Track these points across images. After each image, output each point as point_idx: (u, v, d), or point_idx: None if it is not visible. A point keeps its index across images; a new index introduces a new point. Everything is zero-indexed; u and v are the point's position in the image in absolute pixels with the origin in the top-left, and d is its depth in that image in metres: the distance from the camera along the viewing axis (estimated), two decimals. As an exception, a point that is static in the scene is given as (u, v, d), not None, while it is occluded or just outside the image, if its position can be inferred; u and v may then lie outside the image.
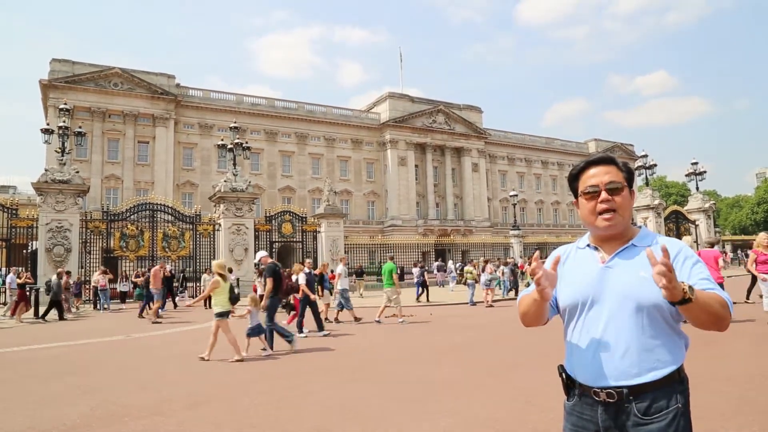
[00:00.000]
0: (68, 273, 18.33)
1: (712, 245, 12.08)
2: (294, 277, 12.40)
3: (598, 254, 1.87)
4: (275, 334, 9.44)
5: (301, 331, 11.47)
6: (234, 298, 9.01)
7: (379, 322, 13.50)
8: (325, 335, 11.21)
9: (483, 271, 18.74)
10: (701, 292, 1.62)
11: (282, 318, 11.91)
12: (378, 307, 14.33)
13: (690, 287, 1.57)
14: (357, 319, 13.90)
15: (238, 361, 8.31)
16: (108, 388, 6.71)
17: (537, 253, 2.11)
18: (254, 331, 8.95)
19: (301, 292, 11.86)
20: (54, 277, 16.76)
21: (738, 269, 29.99)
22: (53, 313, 16.26)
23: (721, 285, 11.01)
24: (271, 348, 9.18)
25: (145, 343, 11.19)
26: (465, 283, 19.53)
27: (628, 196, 1.85)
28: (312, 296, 11.79)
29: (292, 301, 12.90)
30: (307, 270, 12.38)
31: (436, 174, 61.60)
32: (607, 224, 1.82)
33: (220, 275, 8.83)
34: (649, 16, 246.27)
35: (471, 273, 19.03)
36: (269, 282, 9.54)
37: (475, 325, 12.84)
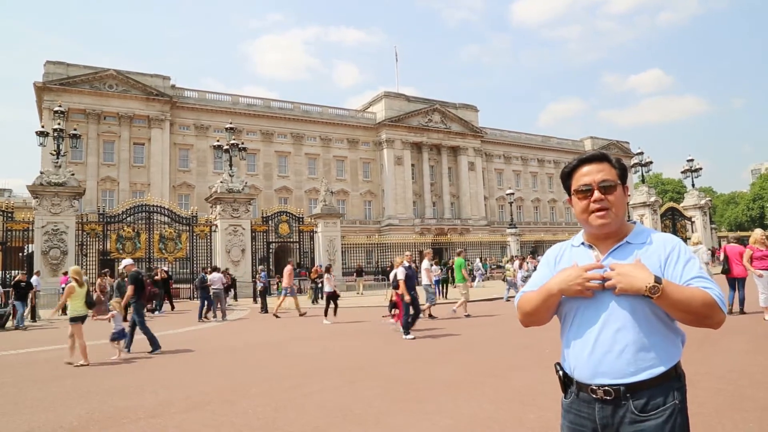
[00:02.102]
0: (105, 274, 18.65)
1: (738, 240, 12.31)
2: (393, 273, 11.61)
3: (593, 252, 1.87)
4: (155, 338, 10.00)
5: (408, 332, 10.49)
6: (90, 303, 9.21)
7: (451, 312, 13.97)
8: (411, 338, 10.32)
9: (520, 268, 19.47)
10: (678, 288, 1.65)
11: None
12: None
13: (654, 285, 1.63)
14: (431, 317, 13.84)
15: (82, 365, 8.50)
16: (106, 391, 6.69)
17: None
18: (118, 336, 9.22)
19: (401, 288, 10.77)
20: (117, 280, 16.98)
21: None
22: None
23: (743, 279, 11.05)
24: (128, 350, 9.56)
25: (142, 346, 11.16)
26: (504, 280, 20.80)
27: (622, 194, 1.85)
28: (407, 296, 10.62)
29: (393, 299, 11.82)
30: (406, 264, 11.20)
31: (432, 173, 61.59)
32: (601, 222, 1.82)
33: (76, 281, 8.99)
34: (642, 16, 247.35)
35: (510, 270, 19.96)
36: (130, 289, 9.90)
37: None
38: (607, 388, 1.72)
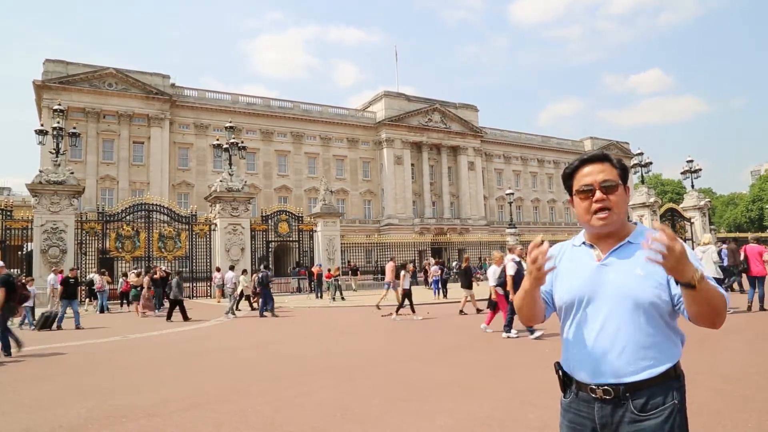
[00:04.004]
0: (149, 270, 18.45)
1: (757, 241, 12.74)
2: (494, 268, 10.92)
3: (594, 252, 1.87)
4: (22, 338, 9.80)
5: (510, 330, 9.75)
6: None
7: None
8: (537, 337, 9.37)
9: None
10: (708, 282, 1.61)
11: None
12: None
13: (701, 274, 1.56)
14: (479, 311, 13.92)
15: None
16: (105, 389, 6.68)
17: (540, 238, 1.81)
18: None
19: (509, 284, 9.94)
20: (176, 278, 16.82)
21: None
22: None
23: (763, 278, 11.50)
24: (7, 354, 9.45)
25: (142, 344, 11.17)
26: None
27: (623, 194, 1.85)
28: (513, 294, 10.18)
29: (493, 297, 10.95)
30: (517, 259, 10.15)
31: (432, 173, 61.60)
32: (603, 223, 1.82)
33: None
34: (642, 17, 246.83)
35: None
36: (1, 292, 9.81)
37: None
38: (606, 387, 1.72)
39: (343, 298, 21.85)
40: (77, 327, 13.84)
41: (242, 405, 5.66)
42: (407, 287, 14.27)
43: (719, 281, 12.22)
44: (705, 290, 1.58)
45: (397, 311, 14.10)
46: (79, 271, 21.49)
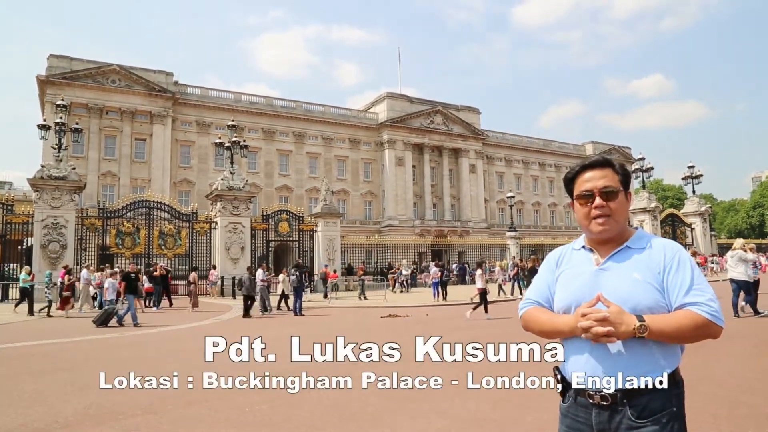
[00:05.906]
0: (195, 269, 18.41)
1: None
2: None
3: (593, 256, 1.87)
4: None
5: None
6: None
7: None
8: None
9: None
10: (665, 321, 1.67)
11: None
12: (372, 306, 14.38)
13: (641, 325, 1.64)
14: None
15: None
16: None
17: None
18: None
19: None
20: (246, 274, 16.70)
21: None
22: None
23: None
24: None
25: (140, 341, 11.16)
26: None
27: (624, 200, 1.85)
28: None
29: None
30: None
31: (433, 175, 61.56)
32: (601, 229, 1.82)
33: None
34: (643, 21, 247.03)
35: None
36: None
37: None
38: (604, 393, 1.72)
39: (365, 298, 22.26)
40: (135, 324, 13.34)
41: (240, 402, 5.65)
42: (482, 286, 14.23)
43: (755, 284, 12.00)
44: (654, 334, 1.66)
45: (474, 308, 13.98)
46: (78, 267, 21.59)
